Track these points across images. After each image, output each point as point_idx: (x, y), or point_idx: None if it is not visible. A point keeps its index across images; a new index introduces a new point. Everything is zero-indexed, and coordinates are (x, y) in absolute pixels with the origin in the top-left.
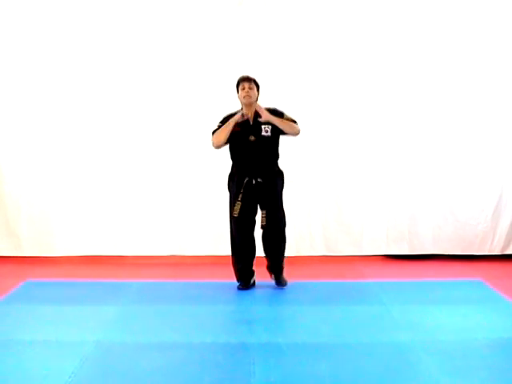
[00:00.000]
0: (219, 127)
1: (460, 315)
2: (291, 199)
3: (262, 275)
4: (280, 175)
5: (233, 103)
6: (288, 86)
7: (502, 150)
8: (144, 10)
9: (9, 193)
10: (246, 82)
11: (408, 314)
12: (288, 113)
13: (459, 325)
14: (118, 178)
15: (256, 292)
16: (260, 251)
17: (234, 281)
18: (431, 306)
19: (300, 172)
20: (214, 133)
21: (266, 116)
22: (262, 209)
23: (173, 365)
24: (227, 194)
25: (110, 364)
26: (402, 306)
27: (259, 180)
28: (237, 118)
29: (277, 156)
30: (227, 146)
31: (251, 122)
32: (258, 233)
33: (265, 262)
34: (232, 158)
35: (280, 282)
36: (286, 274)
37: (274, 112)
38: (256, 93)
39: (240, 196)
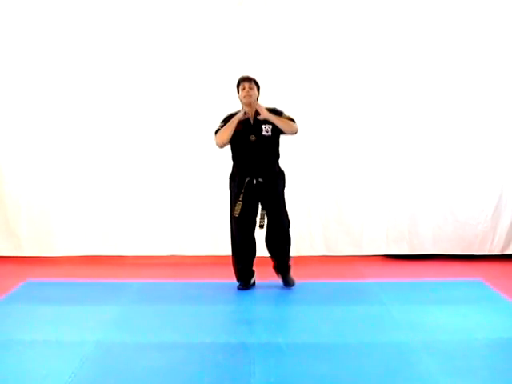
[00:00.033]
0: (221, 127)
1: (460, 315)
2: (291, 199)
3: (262, 275)
4: (281, 175)
5: (233, 103)
6: (288, 86)
7: (502, 150)
8: (144, 10)
9: (9, 193)
10: (247, 82)
11: (408, 313)
12: (287, 112)
13: (459, 325)
14: (118, 178)
15: (256, 292)
16: (260, 251)
17: (234, 281)
18: (431, 305)
19: (300, 172)
20: (216, 133)
21: (264, 114)
22: (263, 209)
23: (173, 365)
24: (227, 194)
25: (110, 364)
26: (402, 306)
27: (260, 180)
28: (240, 115)
29: (277, 156)
30: (228, 146)
31: (252, 122)
32: (260, 233)
33: (265, 262)
34: (233, 157)
35: (288, 282)
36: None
37: (274, 111)
38: (256, 93)
39: (241, 196)
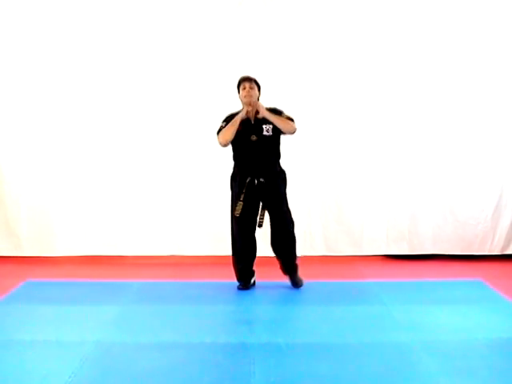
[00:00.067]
0: (223, 127)
1: (460, 315)
2: (291, 199)
3: (262, 275)
4: (282, 175)
5: (233, 103)
6: (288, 86)
7: (502, 150)
8: (144, 11)
9: (9, 193)
10: (247, 82)
11: (408, 313)
12: (287, 112)
13: (459, 325)
14: (118, 178)
15: (256, 292)
16: (260, 251)
17: (234, 281)
18: (431, 305)
19: (300, 172)
20: (218, 132)
21: (262, 112)
22: (266, 210)
23: (173, 365)
24: (227, 194)
25: (110, 364)
26: (402, 306)
27: (261, 180)
28: (242, 114)
29: (278, 156)
30: (229, 146)
31: (252, 122)
32: (260, 233)
33: (265, 261)
34: (234, 157)
35: (296, 283)
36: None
37: (274, 111)
38: (257, 92)
39: (242, 196)
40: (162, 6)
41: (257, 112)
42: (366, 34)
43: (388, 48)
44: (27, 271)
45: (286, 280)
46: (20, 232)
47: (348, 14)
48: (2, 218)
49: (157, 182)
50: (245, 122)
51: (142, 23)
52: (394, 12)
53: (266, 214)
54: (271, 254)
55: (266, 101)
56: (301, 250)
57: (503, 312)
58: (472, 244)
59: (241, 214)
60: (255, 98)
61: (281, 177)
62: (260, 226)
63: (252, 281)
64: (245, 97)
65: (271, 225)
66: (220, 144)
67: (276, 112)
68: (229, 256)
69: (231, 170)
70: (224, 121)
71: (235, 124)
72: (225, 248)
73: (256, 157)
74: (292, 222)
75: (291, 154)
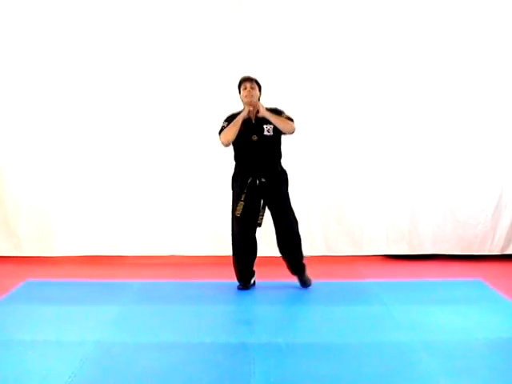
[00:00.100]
0: (224, 126)
1: (460, 315)
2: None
3: (262, 275)
4: (284, 175)
5: (233, 103)
6: (288, 86)
7: (502, 150)
8: (144, 11)
9: (9, 193)
10: (248, 82)
11: (408, 313)
12: (287, 112)
13: (459, 325)
14: (118, 178)
15: (256, 292)
16: (260, 251)
17: (234, 281)
18: (431, 305)
19: (300, 172)
20: (220, 132)
21: (262, 112)
22: (269, 210)
23: (173, 365)
24: (227, 194)
25: (110, 364)
26: (403, 306)
27: (263, 180)
28: (244, 114)
29: (280, 155)
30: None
31: (253, 122)
32: (261, 233)
33: (265, 261)
34: (235, 158)
35: (304, 283)
36: (287, 274)
37: (274, 111)
38: (258, 93)
39: (243, 196)
40: (162, 6)
41: (257, 112)
42: (366, 34)
43: (388, 48)
44: (27, 271)
45: (286, 280)
46: (20, 232)
47: (348, 14)
48: (2, 217)
49: (157, 182)
50: (246, 122)
51: (141, 23)
52: (394, 12)
53: (267, 214)
54: (271, 253)
55: (266, 101)
56: None
57: (503, 312)
58: (472, 244)
59: (242, 214)
60: (256, 98)
61: (282, 177)
62: (259, 225)
63: (252, 281)
64: (245, 97)
65: (275, 225)
66: (222, 144)
67: (276, 112)
68: (229, 256)
69: (231, 170)
70: (225, 120)
71: (237, 124)
72: (225, 248)
73: (257, 157)
74: (296, 222)
75: (291, 154)
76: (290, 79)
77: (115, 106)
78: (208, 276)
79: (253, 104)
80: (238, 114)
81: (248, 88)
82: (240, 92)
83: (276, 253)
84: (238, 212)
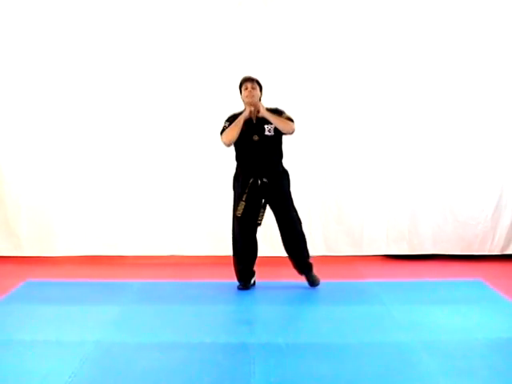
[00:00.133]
0: (226, 127)
1: (460, 315)
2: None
3: (262, 275)
4: (285, 174)
5: (233, 103)
6: (287, 86)
7: (502, 150)
8: (144, 11)
9: (9, 193)
10: (249, 83)
11: (408, 313)
12: (288, 112)
13: (459, 325)
14: (118, 178)
15: (256, 292)
16: (260, 251)
17: (234, 281)
18: (431, 305)
19: (300, 172)
20: (222, 133)
21: (262, 112)
22: (272, 210)
23: (173, 365)
24: (227, 194)
25: (110, 364)
26: (403, 306)
27: (264, 180)
28: (246, 114)
29: (281, 155)
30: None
31: (254, 122)
32: (262, 234)
33: (265, 261)
34: (236, 158)
35: (313, 282)
36: (287, 274)
37: (275, 111)
38: (259, 93)
39: (244, 196)
40: (162, 7)
41: (258, 112)
42: (366, 34)
43: (388, 48)
44: (27, 271)
45: (286, 280)
46: (20, 232)
47: (348, 14)
48: (2, 217)
49: (157, 182)
50: (247, 122)
51: (141, 23)
52: (394, 12)
53: (270, 215)
54: (271, 253)
55: (266, 101)
56: None
57: (503, 312)
58: (472, 244)
59: (243, 214)
60: (257, 98)
61: (284, 177)
62: (259, 224)
63: (252, 281)
64: (246, 97)
65: (278, 225)
66: (224, 144)
67: (277, 112)
68: (229, 256)
69: (231, 170)
70: (227, 121)
71: (239, 124)
72: (225, 248)
73: (258, 157)
74: (299, 221)
75: (291, 154)
76: (289, 79)
77: (115, 107)
78: (208, 276)
79: (253, 104)
80: (239, 114)
81: (249, 88)
82: (241, 92)
83: (276, 253)
84: (238, 212)
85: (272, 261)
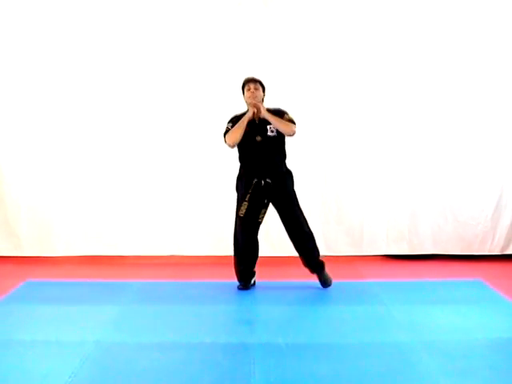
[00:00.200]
0: (229, 128)
1: (460, 315)
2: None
3: (262, 275)
4: (289, 175)
5: (233, 103)
6: (287, 86)
7: (502, 150)
8: (144, 11)
9: (9, 193)
10: (252, 83)
11: (408, 313)
12: (290, 113)
13: (459, 325)
14: (118, 178)
15: (256, 292)
16: (261, 252)
17: (234, 281)
18: (431, 305)
19: (300, 172)
20: (225, 134)
21: (263, 113)
22: (277, 211)
23: (173, 365)
24: (227, 194)
25: (110, 364)
26: (403, 306)
27: (268, 181)
28: (249, 115)
29: (284, 156)
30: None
31: (257, 122)
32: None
33: (265, 262)
34: (240, 159)
35: (324, 281)
36: (287, 274)
37: (278, 112)
38: (261, 93)
39: (247, 196)
40: (162, 7)
41: (260, 113)
42: (366, 34)
43: (388, 49)
44: (27, 271)
45: (286, 280)
46: (20, 232)
47: (348, 14)
48: (2, 217)
49: (157, 182)
50: (250, 123)
51: (141, 24)
52: (394, 13)
53: (269, 214)
54: (271, 253)
55: (266, 101)
56: None
57: (503, 312)
58: (472, 244)
59: (245, 214)
60: (259, 99)
61: (288, 177)
62: (259, 223)
63: (252, 281)
64: (249, 98)
65: (285, 226)
66: (228, 146)
67: (279, 113)
68: (229, 256)
69: (230, 170)
70: (229, 122)
71: (243, 125)
72: (225, 248)
73: (261, 157)
74: (305, 221)
75: (291, 154)
76: (289, 79)
77: (115, 107)
78: (208, 276)
79: (255, 105)
80: (242, 115)
81: (252, 89)
82: (244, 93)
83: (276, 253)
84: (241, 212)
85: (272, 261)
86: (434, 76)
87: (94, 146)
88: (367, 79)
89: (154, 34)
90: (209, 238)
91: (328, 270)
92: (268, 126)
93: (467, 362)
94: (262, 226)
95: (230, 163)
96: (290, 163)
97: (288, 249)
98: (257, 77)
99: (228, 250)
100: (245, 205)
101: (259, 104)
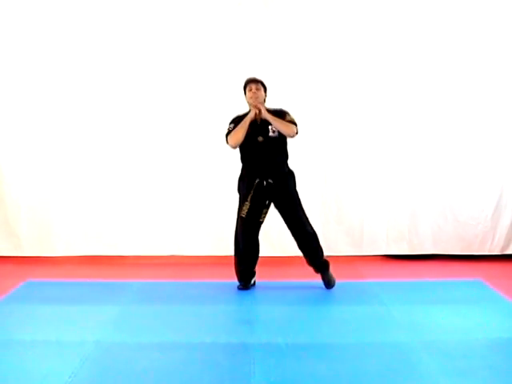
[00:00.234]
0: (231, 128)
1: (460, 315)
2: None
3: (262, 275)
4: (291, 175)
5: (234, 103)
6: (287, 86)
7: (502, 150)
8: (144, 11)
9: (9, 193)
10: (253, 84)
11: (408, 314)
12: (292, 114)
13: (459, 325)
14: (118, 178)
15: (256, 292)
16: (261, 252)
17: (234, 281)
18: (431, 305)
19: (299, 172)
20: (227, 135)
21: (263, 113)
22: (279, 212)
23: (173, 365)
24: (227, 194)
25: (110, 364)
26: (402, 306)
27: (270, 181)
28: (251, 115)
29: (286, 156)
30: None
31: (258, 123)
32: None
33: (265, 261)
34: (241, 159)
35: (328, 282)
36: (287, 274)
37: (279, 112)
38: (263, 94)
39: (249, 197)
40: (162, 7)
41: (260, 113)
42: (367, 34)
43: (389, 49)
44: (27, 271)
45: (286, 280)
46: (20, 232)
47: (349, 14)
48: (2, 217)
49: (157, 182)
50: (251, 124)
51: (141, 24)
52: (394, 13)
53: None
54: (271, 253)
55: (267, 101)
56: None
57: (503, 312)
58: (472, 244)
59: (247, 214)
60: (261, 100)
61: (289, 177)
62: (261, 222)
63: (252, 281)
64: (250, 98)
65: (288, 227)
66: (231, 146)
67: (280, 113)
68: (229, 256)
69: (230, 170)
70: (231, 122)
71: (245, 126)
72: (225, 248)
73: (263, 158)
74: (308, 222)
75: (291, 155)
76: (289, 79)
77: (115, 107)
78: (208, 276)
79: (256, 106)
80: (243, 115)
81: (253, 89)
82: (245, 93)
83: (276, 253)
84: (243, 212)
85: (272, 261)
86: (434, 77)
87: (93, 146)
88: (367, 80)
89: (155, 34)
90: (209, 238)
91: (330, 270)
92: (270, 127)
93: (467, 362)
94: (262, 226)
95: (230, 163)
96: (290, 163)
97: (288, 249)
98: (258, 77)
99: (228, 249)
100: (246, 205)
101: (260, 105)
